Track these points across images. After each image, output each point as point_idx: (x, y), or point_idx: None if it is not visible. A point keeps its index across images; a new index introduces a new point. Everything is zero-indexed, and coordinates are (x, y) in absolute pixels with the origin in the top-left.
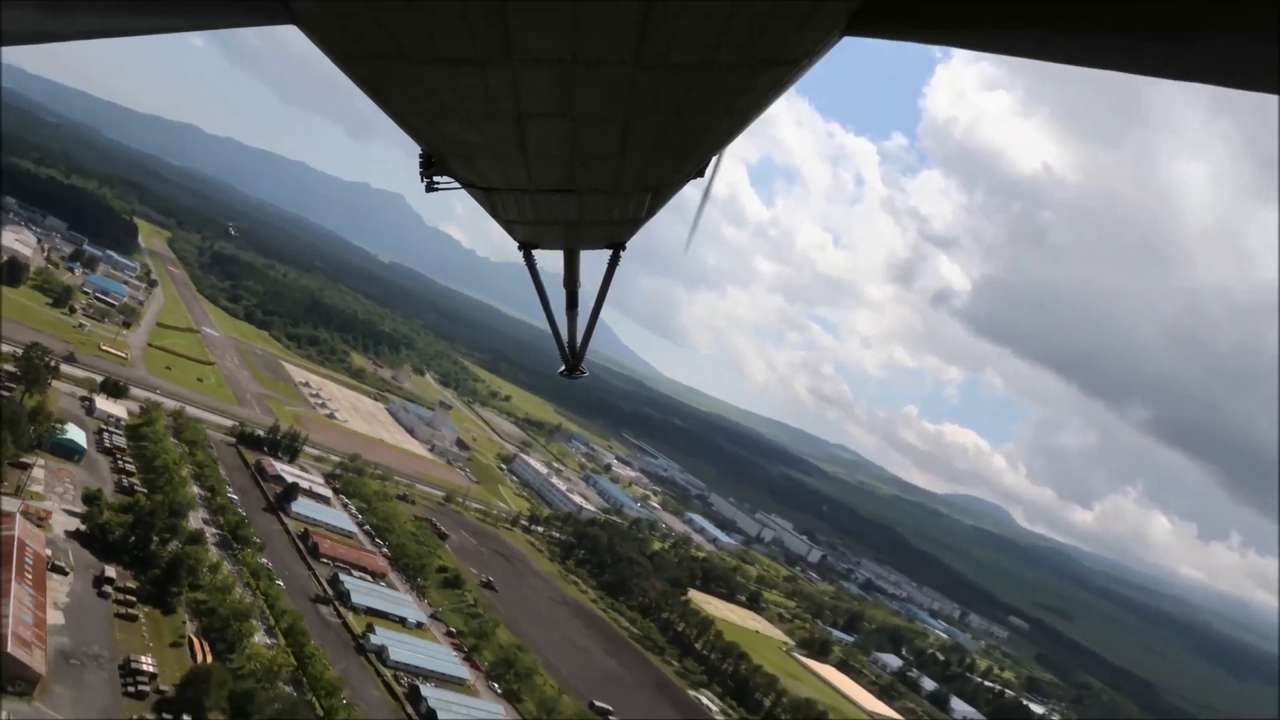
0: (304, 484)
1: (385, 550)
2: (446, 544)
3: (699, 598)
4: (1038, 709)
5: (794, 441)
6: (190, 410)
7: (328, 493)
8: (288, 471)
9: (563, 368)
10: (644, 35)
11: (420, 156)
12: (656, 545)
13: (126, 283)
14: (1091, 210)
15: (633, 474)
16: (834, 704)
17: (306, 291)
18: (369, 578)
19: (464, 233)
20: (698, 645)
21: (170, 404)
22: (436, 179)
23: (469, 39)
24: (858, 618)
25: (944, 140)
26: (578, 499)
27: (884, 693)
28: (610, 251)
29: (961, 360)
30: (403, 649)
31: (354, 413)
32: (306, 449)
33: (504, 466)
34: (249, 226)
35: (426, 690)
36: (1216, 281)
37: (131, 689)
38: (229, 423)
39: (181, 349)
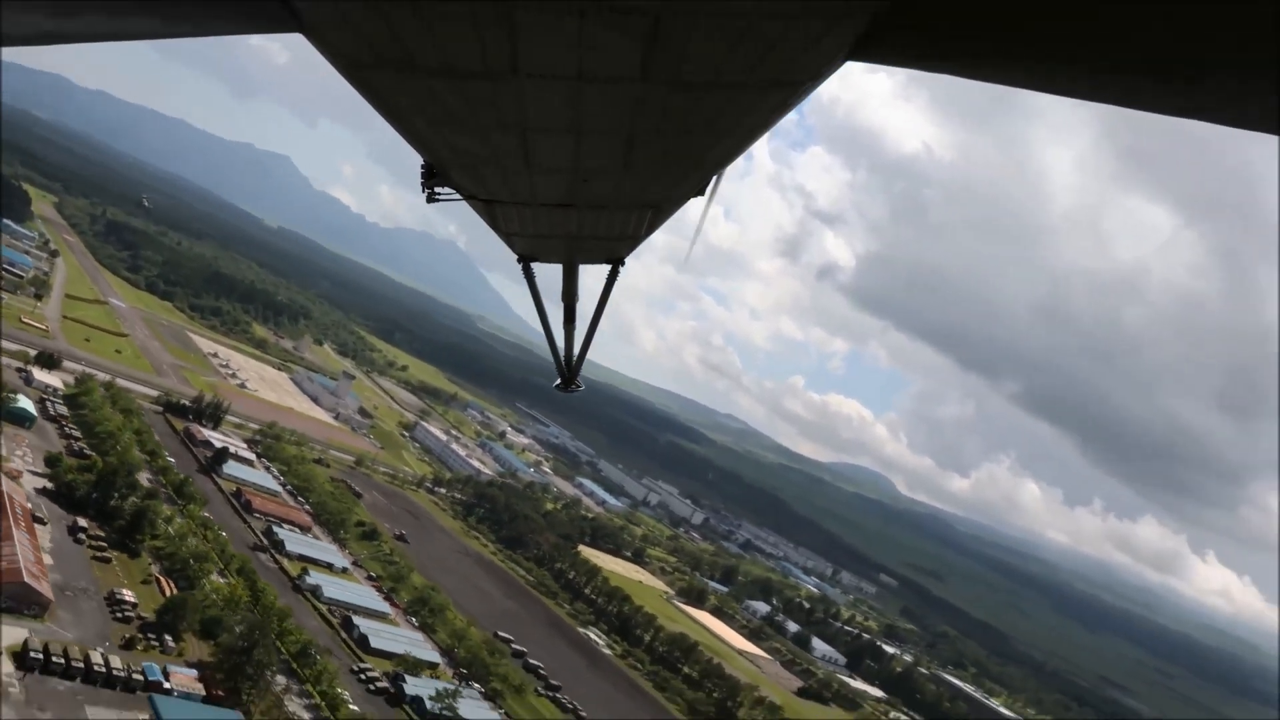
0: (231, 448)
1: (308, 507)
2: (361, 502)
3: (588, 552)
4: (891, 649)
5: (683, 410)
6: (118, 381)
7: (251, 456)
8: (214, 437)
9: (558, 381)
10: (651, 53)
11: (422, 167)
12: (549, 506)
13: (28, 252)
14: (968, 191)
15: (526, 441)
16: (707, 642)
17: (203, 261)
18: (297, 530)
19: (352, 197)
20: (587, 591)
21: (101, 375)
22: (438, 189)
23: (477, 52)
24: (733, 571)
25: (829, 118)
26: (476, 464)
27: (753, 635)
28: (609, 267)
29: (846, 333)
30: (333, 588)
31: (262, 382)
32: (226, 417)
33: (406, 433)
34: (129, 190)
35: (357, 620)
36: (1079, 261)
37: (119, 616)
38: (153, 392)
39: (94, 321)
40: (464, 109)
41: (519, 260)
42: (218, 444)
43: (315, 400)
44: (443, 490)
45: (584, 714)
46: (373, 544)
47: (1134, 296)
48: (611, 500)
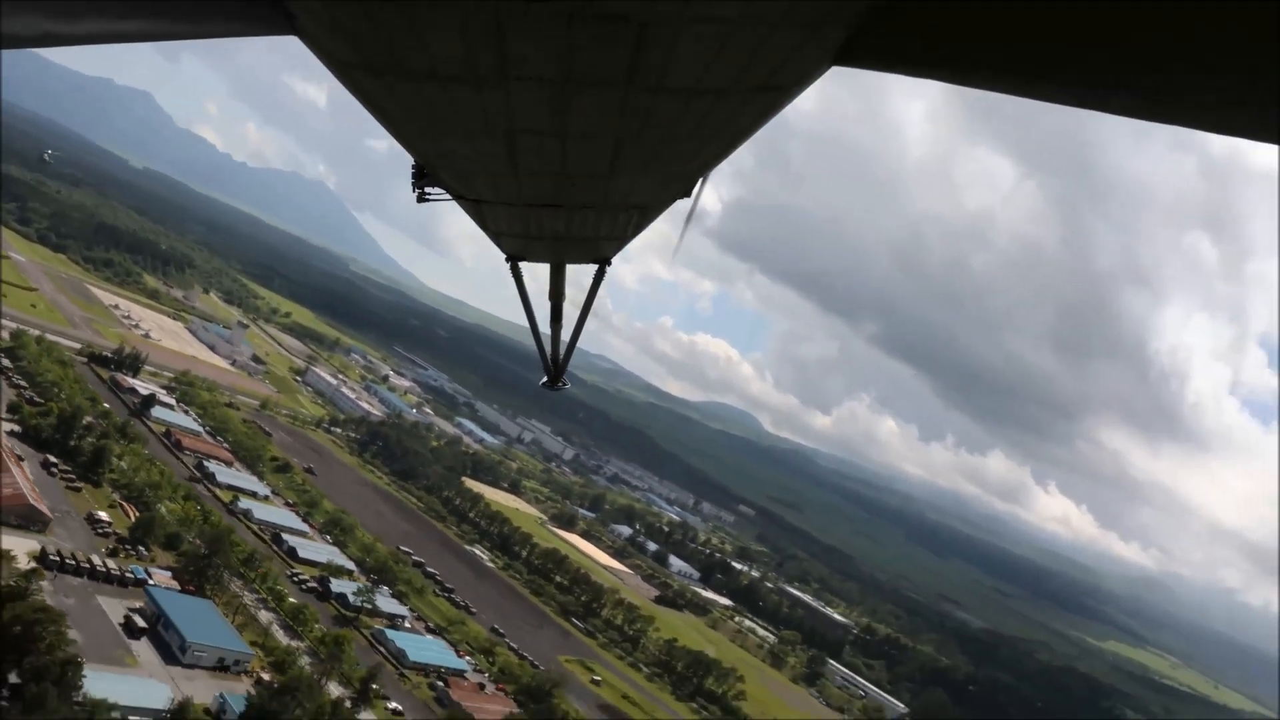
0: (156, 395)
1: (227, 445)
2: (272, 440)
3: (470, 483)
4: (741, 567)
5: None
6: (47, 335)
7: (172, 401)
8: (139, 385)
9: (545, 379)
10: (637, 60)
11: (413, 167)
12: (434, 444)
13: None
14: (828, 141)
15: (407, 384)
16: (576, 559)
17: (87, 210)
18: (223, 465)
19: (218, 135)
20: (471, 515)
21: (31, 331)
22: (428, 189)
23: (466, 57)
24: (601, 500)
25: None
26: (365, 405)
27: (617, 553)
28: (596, 267)
29: (714, 275)
30: (260, 512)
31: (163, 332)
32: (144, 367)
33: (299, 378)
34: None
35: (285, 536)
36: (932, 209)
37: (99, 532)
38: (75, 344)
39: (3, 276)
40: (453, 113)
41: (507, 260)
42: (144, 391)
43: (212, 349)
44: (338, 430)
45: (473, 610)
46: (286, 476)
47: (981, 243)
48: (489, 438)
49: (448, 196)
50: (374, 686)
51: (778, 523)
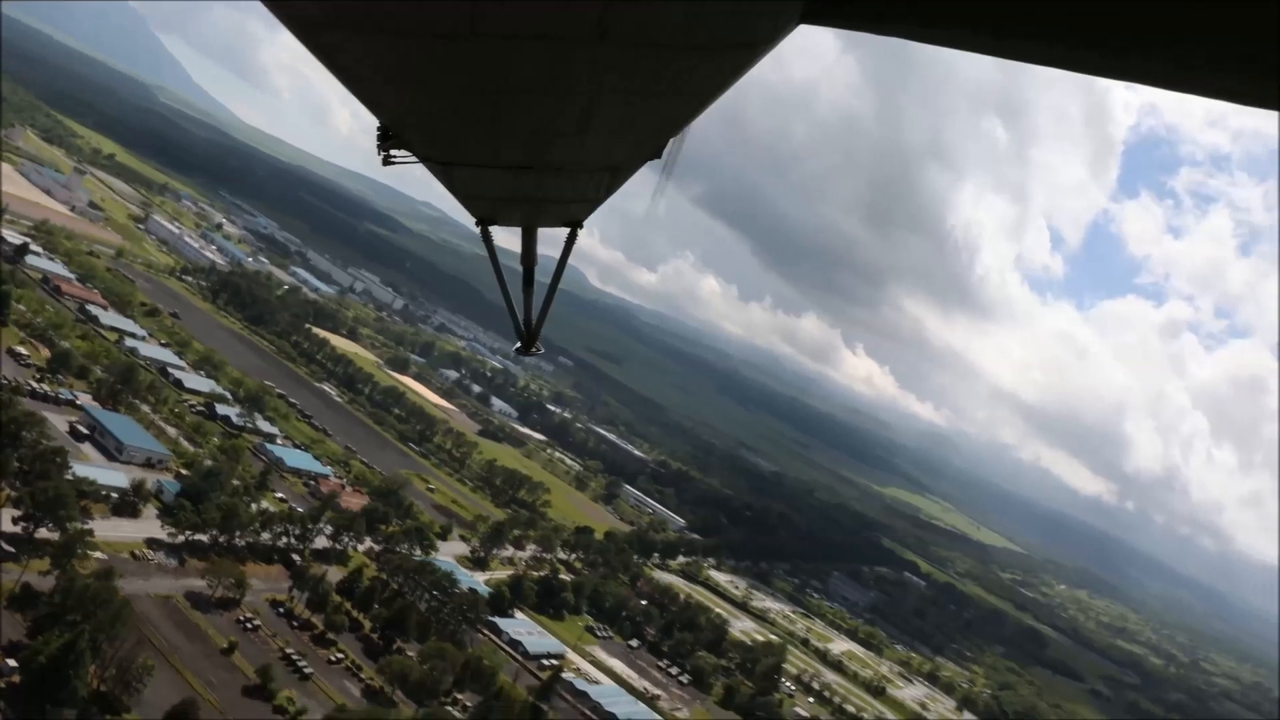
0: (27, 243)
1: (99, 291)
2: (137, 287)
3: (315, 330)
4: (556, 409)
5: (380, 197)
6: None
7: (39, 249)
8: (7, 234)
9: (518, 345)
10: (608, 14)
11: (378, 129)
12: (278, 293)
13: None
14: None
15: (239, 231)
16: (412, 398)
17: None
18: (100, 309)
19: None
20: (318, 357)
21: None
22: (394, 153)
23: (435, 12)
24: (430, 346)
25: None
26: (210, 254)
27: (445, 394)
28: (568, 230)
29: None
30: (145, 349)
31: None
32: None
33: (140, 226)
34: None
35: (171, 370)
36: (759, 76)
37: (22, 364)
38: None
39: None
40: (420, 70)
41: (477, 224)
42: (15, 240)
43: (49, 193)
44: (190, 279)
45: (330, 433)
46: (156, 320)
47: (803, 112)
48: (324, 287)
49: (415, 159)
50: (267, 479)
51: (595, 373)
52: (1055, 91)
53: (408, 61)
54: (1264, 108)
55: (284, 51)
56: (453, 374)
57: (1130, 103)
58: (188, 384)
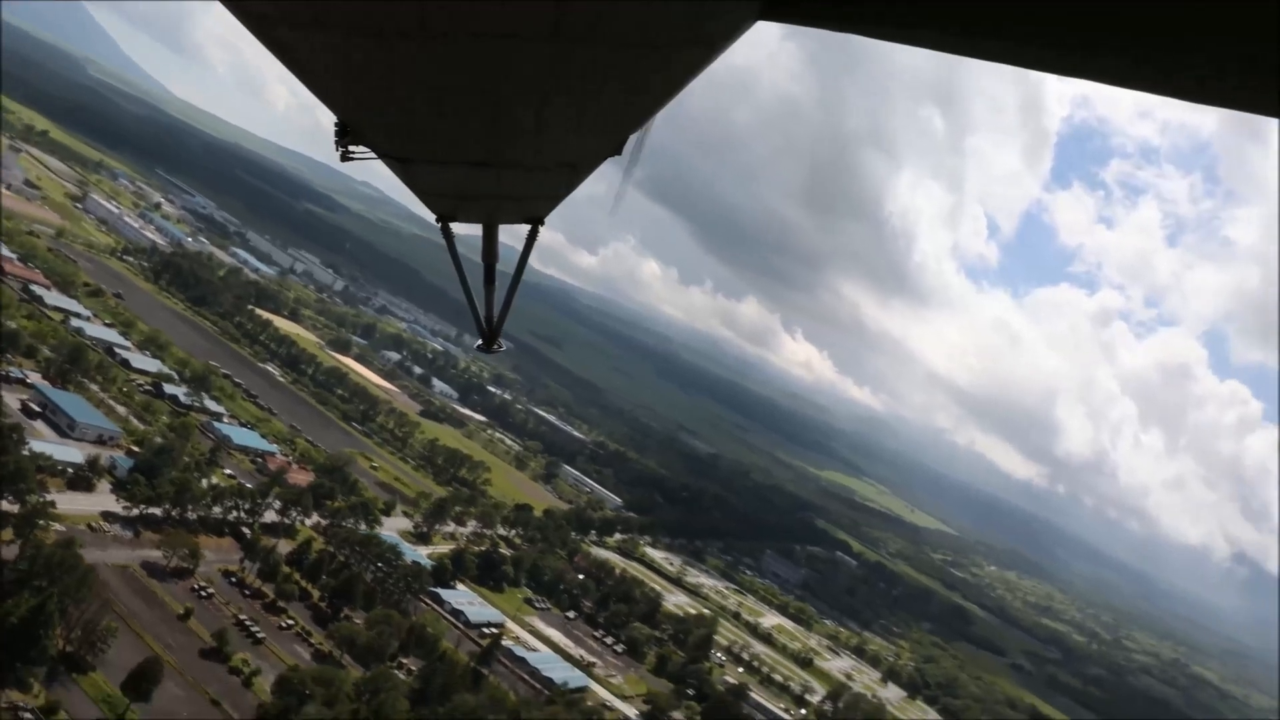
0: None
1: (41, 271)
2: (79, 268)
3: (257, 311)
4: (496, 391)
5: (318, 176)
6: None
7: None
8: None
9: (480, 342)
10: (562, 11)
11: (336, 125)
12: (219, 274)
13: None
14: None
15: (178, 211)
16: (354, 379)
17: None
18: (44, 289)
19: None
20: (261, 338)
21: None
22: (352, 149)
23: (386, 9)
24: (372, 328)
25: None
26: (149, 235)
27: (387, 375)
28: (529, 226)
29: None
30: (90, 330)
31: None
32: None
33: (79, 205)
34: None
35: (117, 350)
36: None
37: None
38: None
39: None
40: (374, 68)
41: (437, 221)
42: None
43: None
44: (131, 260)
45: (274, 412)
46: (100, 300)
47: (744, 97)
48: (265, 268)
49: (373, 156)
50: (216, 456)
51: (534, 355)
52: (990, 81)
53: (361, 59)
54: (1214, 105)
55: (218, 24)
56: (394, 355)
57: (1064, 94)
58: (135, 364)
